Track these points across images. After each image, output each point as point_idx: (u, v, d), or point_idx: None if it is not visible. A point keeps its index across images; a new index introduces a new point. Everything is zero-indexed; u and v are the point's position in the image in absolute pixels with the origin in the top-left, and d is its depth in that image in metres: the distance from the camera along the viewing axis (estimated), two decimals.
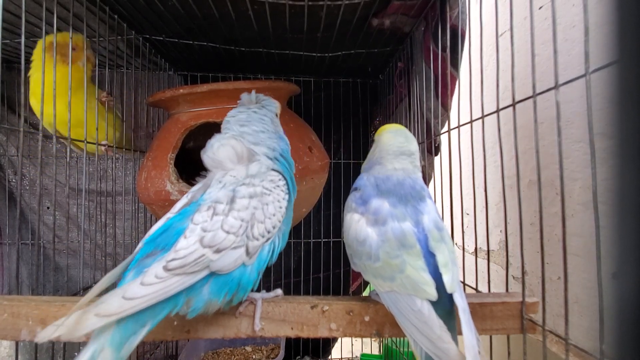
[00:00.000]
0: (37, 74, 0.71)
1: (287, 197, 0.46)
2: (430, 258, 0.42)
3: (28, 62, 0.71)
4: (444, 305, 0.40)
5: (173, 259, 0.37)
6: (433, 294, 0.40)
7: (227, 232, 0.39)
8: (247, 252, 0.40)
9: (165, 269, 0.36)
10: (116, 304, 0.34)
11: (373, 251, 0.43)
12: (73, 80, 0.62)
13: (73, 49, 0.65)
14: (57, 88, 0.59)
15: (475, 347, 0.37)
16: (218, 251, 0.38)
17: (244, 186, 0.43)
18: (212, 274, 0.39)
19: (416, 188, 0.46)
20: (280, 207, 0.44)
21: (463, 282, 0.61)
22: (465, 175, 0.61)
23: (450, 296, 0.40)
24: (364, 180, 0.48)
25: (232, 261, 0.39)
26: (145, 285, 0.35)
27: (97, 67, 0.68)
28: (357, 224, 0.45)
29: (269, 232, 0.42)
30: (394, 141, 0.49)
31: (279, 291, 0.48)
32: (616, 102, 0.14)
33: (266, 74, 1.08)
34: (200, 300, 0.39)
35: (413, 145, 0.49)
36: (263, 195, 0.43)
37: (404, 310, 0.40)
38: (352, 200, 0.47)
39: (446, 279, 0.40)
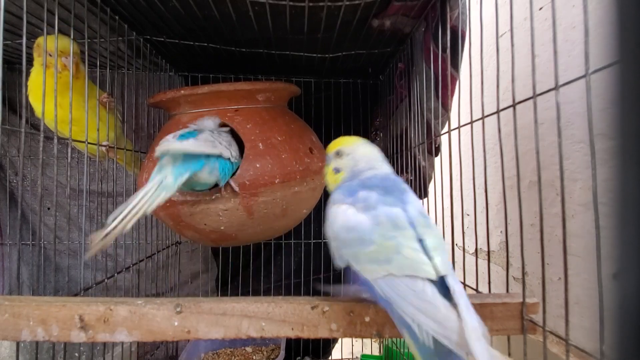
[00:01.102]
0: (33, 74, 0.71)
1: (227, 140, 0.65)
2: (421, 243, 0.41)
3: (29, 63, 0.71)
4: (439, 290, 0.40)
5: (200, 136, 0.60)
6: (433, 273, 0.39)
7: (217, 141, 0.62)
8: (230, 153, 0.62)
9: (198, 139, 0.59)
10: (179, 144, 0.56)
11: (366, 235, 0.42)
12: (60, 84, 0.62)
13: (58, 54, 0.64)
14: (48, 90, 0.59)
15: (478, 329, 0.36)
16: (215, 146, 0.60)
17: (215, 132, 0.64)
18: (219, 157, 0.60)
19: (398, 182, 0.48)
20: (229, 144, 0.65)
21: (463, 283, 0.61)
22: (465, 176, 0.61)
23: (443, 282, 0.40)
24: (346, 184, 0.49)
25: (225, 152, 0.61)
26: (191, 140, 0.58)
27: (98, 68, 0.68)
28: (345, 213, 0.44)
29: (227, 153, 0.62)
30: (374, 149, 0.53)
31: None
32: (616, 103, 0.14)
33: (267, 75, 1.08)
34: (212, 167, 0.60)
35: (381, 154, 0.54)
36: (221, 134, 0.65)
37: (404, 294, 0.39)
38: (337, 194, 0.48)
39: (437, 260, 0.40)
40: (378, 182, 0.47)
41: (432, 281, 0.39)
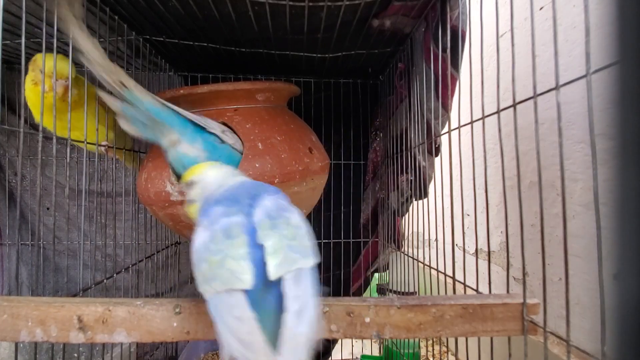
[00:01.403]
0: (27, 83, 0.68)
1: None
2: (259, 249, 0.39)
3: (28, 62, 0.71)
4: (273, 298, 0.37)
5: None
6: (248, 282, 0.37)
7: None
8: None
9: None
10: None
11: (202, 254, 0.40)
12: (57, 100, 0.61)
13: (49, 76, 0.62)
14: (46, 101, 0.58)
15: (301, 336, 0.35)
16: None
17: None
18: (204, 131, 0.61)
19: (256, 186, 0.47)
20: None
21: (464, 283, 0.61)
22: (465, 176, 0.61)
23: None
24: (202, 208, 0.47)
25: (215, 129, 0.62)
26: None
27: None
28: (196, 236, 0.42)
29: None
30: (225, 169, 0.51)
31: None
32: (617, 103, 0.14)
33: (266, 75, 1.08)
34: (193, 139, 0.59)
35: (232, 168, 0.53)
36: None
37: (222, 313, 0.37)
38: (198, 221, 0.46)
39: (271, 264, 0.37)
40: (227, 194, 0.45)
41: (252, 291, 0.37)
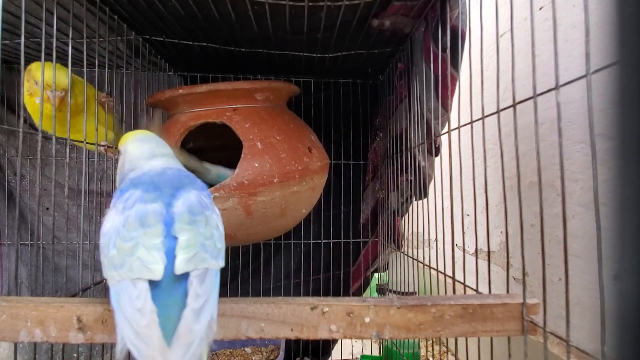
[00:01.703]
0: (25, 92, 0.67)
1: None
2: (173, 241, 0.38)
3: (28, 62, 0.71)
4: (179, 291, 0.37)
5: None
6: (158, 272, 0.36)
7: None
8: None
9: None
10: None
11: (112, 239, 0.39)
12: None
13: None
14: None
15: (196, 334, 0.34)
16: None
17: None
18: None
19: (180, 177, 0.45)
20: None
21: (463, 284, 0.61)
22: (465, 176, 0.61)
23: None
24: (121, 185, 0.45)
25: None
26: None
27: (96, 67, 0.68)
28: (106, 218, 0.41)
29: None
30: (144, 147, 0.48)
31: None
32: (617, 103, 0.14)
33: (266, 75, 1.08)
34: None
35: (165, 148, 0.49)
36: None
37: (124, 302, 0.36)
38: (113, 200, 0.44)
39: (181, 258, 0.37)
40: (148, 179, 0.43)
41: (158, 282, 0.36)
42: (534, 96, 0.44)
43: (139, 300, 0.36)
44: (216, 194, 0.65)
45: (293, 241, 1.13)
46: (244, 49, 0.89)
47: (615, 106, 0.14)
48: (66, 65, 0.63)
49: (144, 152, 0.48)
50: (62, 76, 0.62)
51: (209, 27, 0.78)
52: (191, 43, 0.86)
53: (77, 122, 0.67)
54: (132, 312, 0.35)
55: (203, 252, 0.39)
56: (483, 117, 0.55)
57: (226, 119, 0.69)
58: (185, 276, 0.38)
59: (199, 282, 0.37)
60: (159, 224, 0.39)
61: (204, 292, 0.37)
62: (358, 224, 1.16)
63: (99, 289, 0.76)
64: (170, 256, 0.38)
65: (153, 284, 0.37)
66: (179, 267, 0.37)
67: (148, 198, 0.41)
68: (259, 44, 0.86)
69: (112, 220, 0.40)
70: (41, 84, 0.58)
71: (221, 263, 0.42)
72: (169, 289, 0.37)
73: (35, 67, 0.63)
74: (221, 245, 0.43)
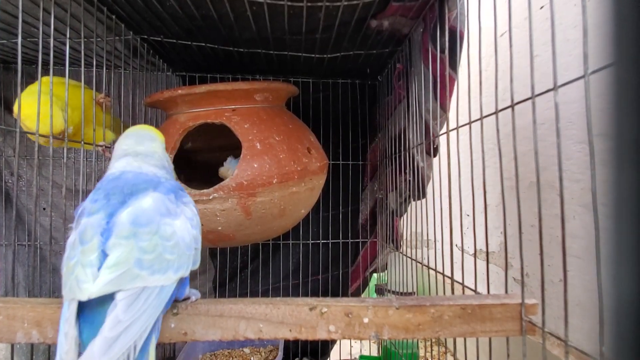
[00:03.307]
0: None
1: None
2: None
3: (25, 62, 0.70)
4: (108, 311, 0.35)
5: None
6: (86, 292, 0.34)
7: None
8: None
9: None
10: None
11: (64, 258, 0.38)
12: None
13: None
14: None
15: (68, 355, 0.32)
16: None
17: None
18: None
19: (137, 181, 0.42)
20: None
21: (462, 284, 0.61)
22: (464, 177, 0.61)
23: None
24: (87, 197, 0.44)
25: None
26: None
27: (94, 67, 0.67)
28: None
29: None
30: (120, 145, 0.47)
31: None
32: (614, 104, 0.14)
33: (265, 75, 1.08)
34: None
35: (144, 145, 0.46)
36: None
37: (60, 325, 0.35)
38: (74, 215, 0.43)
39: (98, 280, 0.34)
40: (104, 184, 0.42)
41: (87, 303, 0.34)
42: (532, 97, 0.44)
43: (66, 323, 0.34)
44: (215, 194, 0.65)
45: (292, 241, 1.13)
46: (242, 49, 0.88)
47: (612, 107, 0.14)
48: (65, 66, 0.62)
49: (118, 150, 0.46)
50: (58, 120, 0.60)
51: (207, 27, 0.78)
52: (189, 43, 0.86)
53: (76, 131, 0.67)
54: (61, 336, 0.34)
55: (137, 269, 0.36)
56: (482, 118, 0.55)
57: (225, 120, 0.69)
58: (113, 297, 0.35)
59: (125, 305, 0.34)
60: (95, 239, 0.37)
61: (129, 316, 0.34)
62: (357, 225, 1.15)
63: None
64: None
65: (88, 306, 0.35)
66: (94, 290, 0.34)
67: (92, 209, 0.39)
68: (258, 45, 0.86)
69: (69, 238, 0.39)
70: (36, 134, 0.56)
71: (174, 276, 0.39)
72: (97, 311, 0.34)
73: (23, 101, 0.58)
74: (174, 256, 0.39)
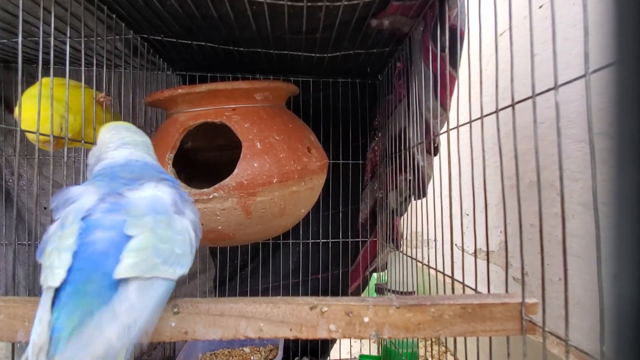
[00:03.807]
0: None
1: None
2: (125, 239, 0.34)
3: (25, 61, 0.70)
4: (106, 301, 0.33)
5: None
6: (57, 279, 0.32)
7: None
8: None
9: None
10: None
11: (43, 245, 0.36)
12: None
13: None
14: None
15: (37, 346, 0.30)
16: None
17: None
18: None
19: (146, 169, 0.41)
20: None
21: (463, 283, 0.61)
22: (464, 176, 0.61)
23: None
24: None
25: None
26: None
27: (94, 66, 0.67)
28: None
29: None
30: (114, 136, 0.45)
31: None
32: (615, 103, 0.14)
33: (265, 74, 1.08)
34: None
35: (139, 136, 0.46)
36: None
37: (36, 312, 0.33)
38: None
39: (126, 262, 0.33)
40: (102, 169, 0.40)
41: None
42: (533, 96, 0.44)
43: (42, 309, 0.32)
44: (215, 194, 0.65)
45: (292, 241, 1.13)
46: (242, 49, 0.88)
47: (613, 106, 0.14)
48: (65, 65, 0.62)
49: (113, 141, 0.44)
50: (57, 127, 0.60)
51: (208, 26, 0.77)
52: (190, 42, 0.86)
53: (76, 130, 0.67)
54: (36, 321, 0.32)
55: (155, 258, 0.35)
56: (482, 117, 0.55)
57: (225, 119, 0.69)
58: (115, 284, 0.33)
59: (140, 295, 0.33)
60: (75, 224, 0.35)
61: (141, 305, 0.33)
62: (357, 224, 1.15)
63: None
64: (94, 257, 0.34)
65: (65, 290, 0.33)
66: (120, 271, 0.33)
67: (85, 192, 0.37)
68: (258, 44, 0.86)
69: (51, 228, 0.37)
70: (37, 140, 0.56)
71: (180, 271, 0.38)
72: (91, 293, 0.32)
73: (24, 108, 0.59)
74: (182, 251, 0.38)
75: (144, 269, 0.34)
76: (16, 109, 0.60)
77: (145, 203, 0.37)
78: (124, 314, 0.32)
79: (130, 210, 0.36)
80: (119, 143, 0.44)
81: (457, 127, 0.62)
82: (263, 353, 1.00)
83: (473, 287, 0.59)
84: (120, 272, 0.33)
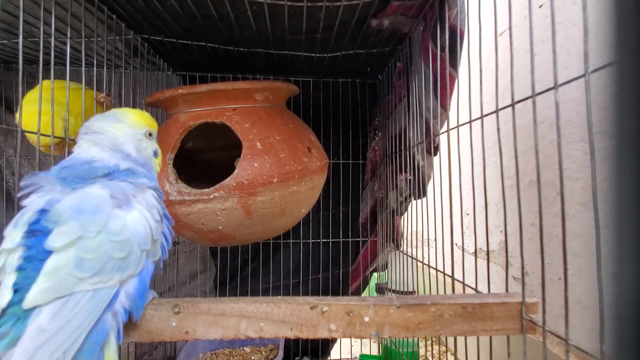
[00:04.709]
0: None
1: None
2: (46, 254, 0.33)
3: (26, 62, 0.70)
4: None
5: None
6: (4, 300, 0.31)
7: None
8: None
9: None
10: None
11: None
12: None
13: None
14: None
15: None
16: None
17: None
18: None
19: (85, 168, 0.39)
20: None
21: (463, 283, 0.61)
22: (464, 176, 0.61)
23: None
24: None
25: None
26: None
27: (95, 67, 0.67)
28: None
29: None
30: (83, 128, 0.44)
31: None
32: (614, 103, 0.14)
33: (265, 74, 1.08)
34: None
35: (104, 128, 0.43)
36: None
37: None
38: None
39: (33, 289, 0.30)
40: (58, 169, 0.39)
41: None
42: (533, 95, 0.44)
43: None
44: (216, 194, 0.65)
45: (292, 241, 1.13)
46: (242, 49, 0.88)
47: (613, 105, 0.14)
48: (66, 66, 0.62)
49: (80, 135, 0.43)
50: (58, 132, 0.61)
51: (208, 26, 0.78)
52: (190, 43, 0.86)
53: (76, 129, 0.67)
54: None
55: (77, 272, 0.32)
56: (482, 117, 0.55)
57: (225, 119, 0.69)
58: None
59: (51, 313, 0.31)
60: (19, 237, 0.33)
61: (55, 325, 0.30)
62: (357, 224, 1.16)
63: None
64: (30, 279, 0.31)
65: (11, 310, 0.31)
66: (27, 301, 0.31)
67: (33, 199, 0.35)
68: (258, 44, 0.86)
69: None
70: (37, 144, 0.56)
71: (121, 276, 0.35)
72: (18, 319, 0.31)
73: (25, 113, 0.59)
74: (123, 254, 0.36)
75: (60, 290, 0.32)
76: (17, 114, 0.60)
77: (70, 205, 0.35)
78: (29, 340, 0.30)
79: (60, 215, 0.34)
80: (78, 137, 0.44)
81: (457, 127, 0.62)
82: (264, 353, 1.00)
83: (473, 286, 0.59)
84: (28, 302, 0.31)
